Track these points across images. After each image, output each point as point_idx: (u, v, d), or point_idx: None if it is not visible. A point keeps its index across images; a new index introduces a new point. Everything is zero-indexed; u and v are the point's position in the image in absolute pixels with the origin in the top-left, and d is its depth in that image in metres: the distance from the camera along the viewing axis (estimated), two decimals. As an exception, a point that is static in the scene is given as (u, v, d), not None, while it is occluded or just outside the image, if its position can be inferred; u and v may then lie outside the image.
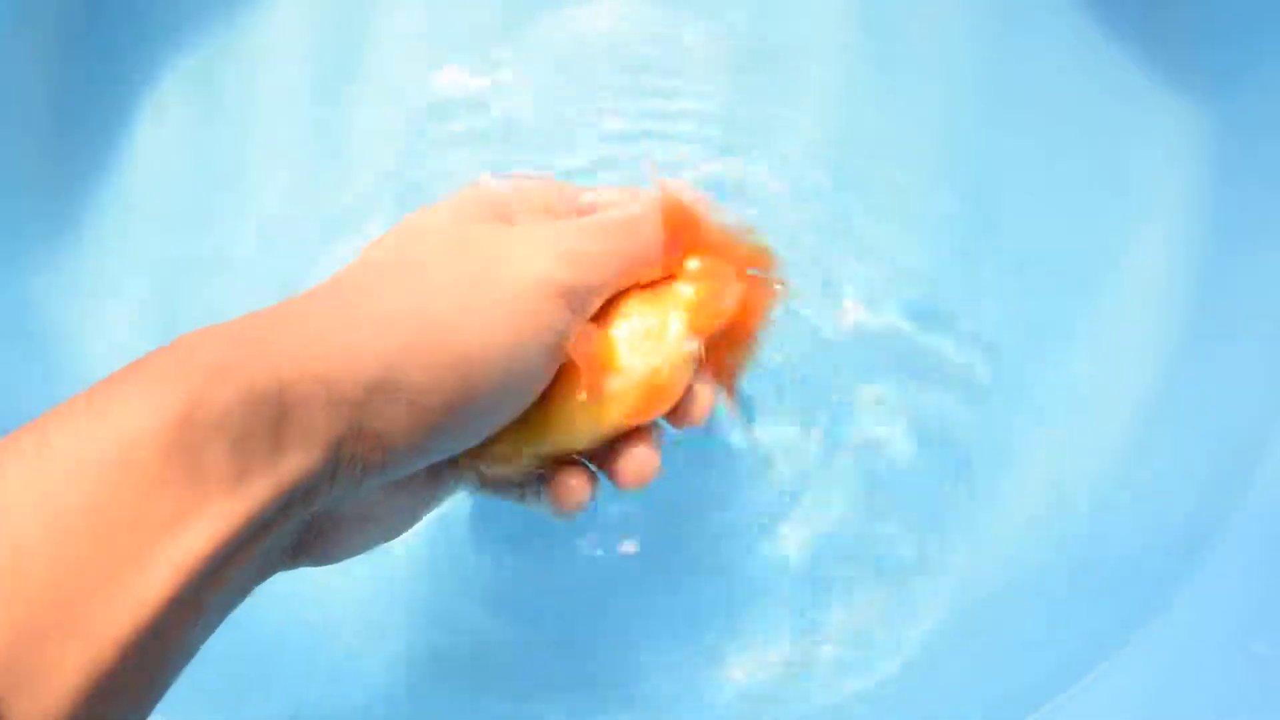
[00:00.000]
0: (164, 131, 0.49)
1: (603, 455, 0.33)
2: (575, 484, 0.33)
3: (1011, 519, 0.44)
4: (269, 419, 0.24)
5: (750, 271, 0.34)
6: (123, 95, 0.49)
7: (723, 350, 0.34)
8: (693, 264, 0.33)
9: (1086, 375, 0.45)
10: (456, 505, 0.43)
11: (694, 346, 0.32)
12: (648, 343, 0.32)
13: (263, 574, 0.27)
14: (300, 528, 0.27)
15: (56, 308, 0.47)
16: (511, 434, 0.31)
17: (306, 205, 0.49)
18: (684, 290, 0.33)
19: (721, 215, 0.34)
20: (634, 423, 0.32)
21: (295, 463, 0.24)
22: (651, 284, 0.33)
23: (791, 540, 0.44)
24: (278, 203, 0.49)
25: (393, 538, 0.32)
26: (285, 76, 0.50)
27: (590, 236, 0.30)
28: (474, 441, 0.30)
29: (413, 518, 0.33)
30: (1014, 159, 0.47)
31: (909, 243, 0.46)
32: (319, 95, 0.50)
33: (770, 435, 0.44)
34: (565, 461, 0.33)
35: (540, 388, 0.30)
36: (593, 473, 0.34)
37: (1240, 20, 0.44)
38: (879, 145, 0.47)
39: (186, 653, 0.24)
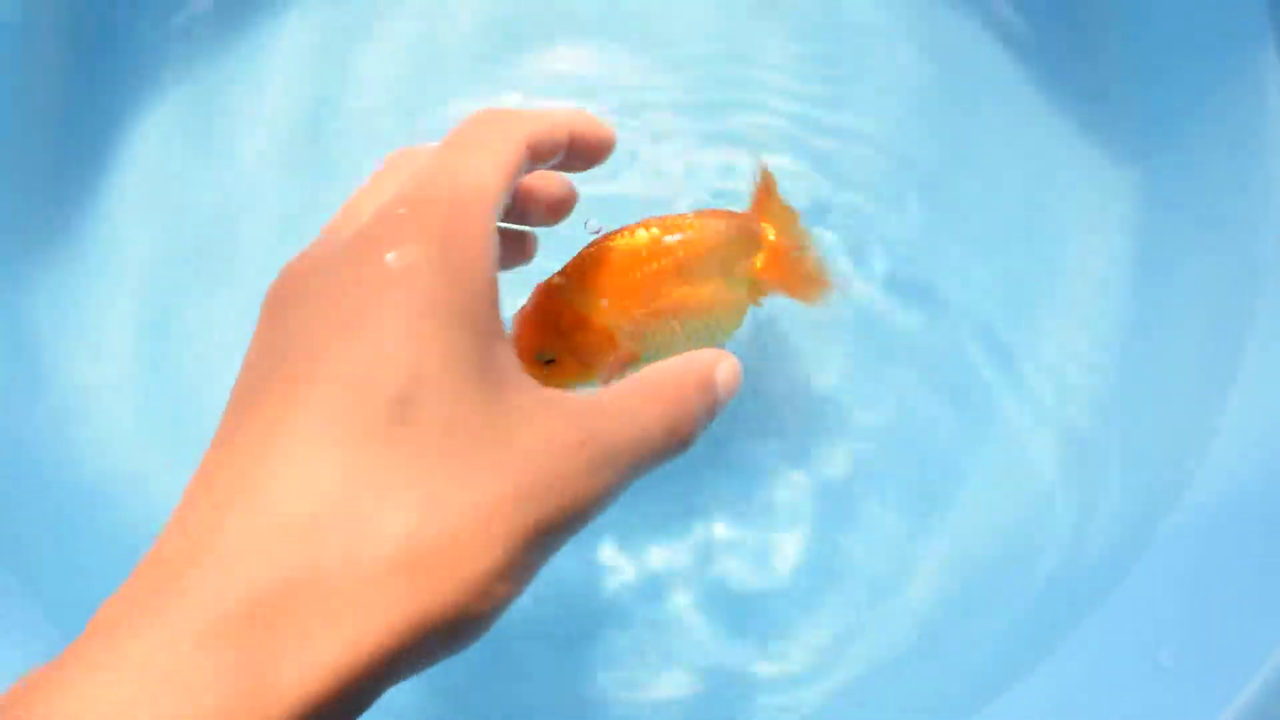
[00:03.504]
0: (156, 155, 0.51)
1: None
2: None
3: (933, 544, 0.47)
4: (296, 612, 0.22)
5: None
6: (117, 122, 0.51)
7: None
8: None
9: (1017, 412, 0.48)
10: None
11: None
12: None
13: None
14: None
15: (51, 326, 0.49)
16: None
17: (291, 227, 0.50)
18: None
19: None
20: None
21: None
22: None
23: (746, 550, 0.47)
24: (265, 227, 0.51)
25: None
26: (275, 104, 0.52)
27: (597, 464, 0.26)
28: None
29: None
30: (955, 212, 0.50)
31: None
32: (306, 122, 0.52)
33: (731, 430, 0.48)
34: None
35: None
36: None
37: (1165, 96, 0.49)
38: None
39: None
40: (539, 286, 0.39)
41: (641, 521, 0.47)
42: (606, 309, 0.38)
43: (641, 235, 0.39)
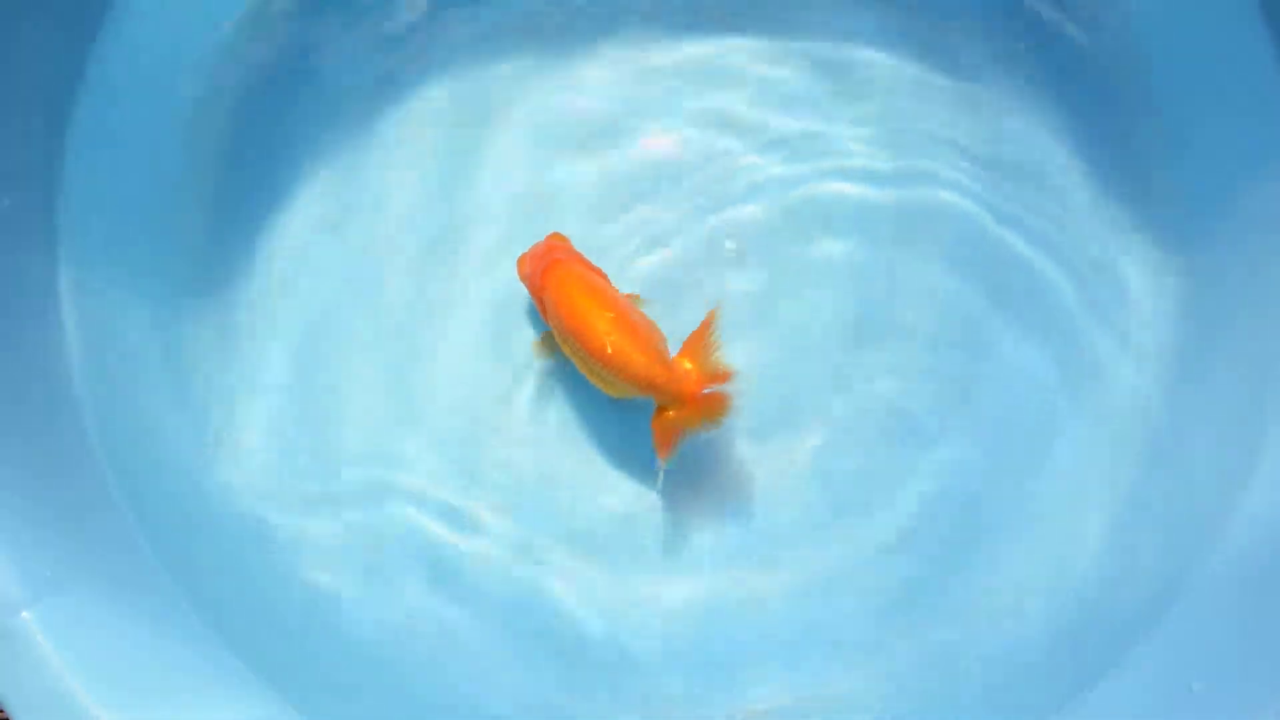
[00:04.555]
0: (302, 223, 0.58)
1: None
2: None
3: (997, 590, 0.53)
4: None
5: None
6: (266, 194, 0.58)
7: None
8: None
9: (1058, 491, 0.54)
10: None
11: None
12: None
13: None
14: None
15: (212, 367, 0.55)
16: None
17: (424, 296, 0.57)
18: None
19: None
20: None
21: None
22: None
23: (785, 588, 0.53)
24: (399, 296, 0.57)
25: None
26: (409, 185, 0.59)
27: None
28: None
29: None
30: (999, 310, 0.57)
31: (899, 381, 0.56)
32: (438, 196, 0.58)
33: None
34: None
35: None
36: None
37: (1211, 192, 0.54)
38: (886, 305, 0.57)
39: None
40: (555, 251, 0.51)
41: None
42: (549, 311, 0.50)
43: (602, 318, 0.48)
